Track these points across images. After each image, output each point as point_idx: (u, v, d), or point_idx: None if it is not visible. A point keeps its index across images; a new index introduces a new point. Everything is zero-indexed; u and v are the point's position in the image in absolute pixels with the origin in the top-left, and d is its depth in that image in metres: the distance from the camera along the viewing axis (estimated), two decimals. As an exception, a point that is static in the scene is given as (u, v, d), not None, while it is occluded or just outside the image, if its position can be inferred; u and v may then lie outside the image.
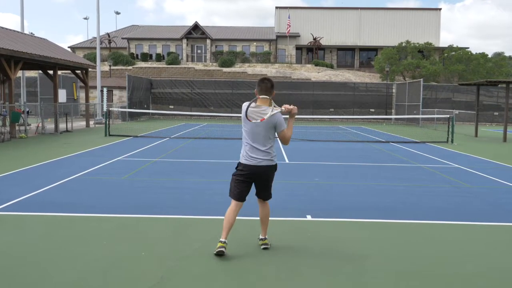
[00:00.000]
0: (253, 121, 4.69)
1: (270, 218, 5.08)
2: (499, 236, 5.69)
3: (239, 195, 4.80)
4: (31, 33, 27.02)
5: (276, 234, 5.47)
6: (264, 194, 4.92)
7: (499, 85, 30.11)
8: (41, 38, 24.12)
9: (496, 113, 36.16)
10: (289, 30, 51.02)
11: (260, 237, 5.05)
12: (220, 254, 4.62)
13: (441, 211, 6.86)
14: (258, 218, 5.08)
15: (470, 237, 5.61)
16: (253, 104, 4.83)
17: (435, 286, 4.06)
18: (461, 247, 5.20)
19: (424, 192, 8.28)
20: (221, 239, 4.69)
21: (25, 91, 26.40)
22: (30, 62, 19.56)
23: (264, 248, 4.92)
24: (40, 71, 24.95)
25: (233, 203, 4.85)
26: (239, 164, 4.84)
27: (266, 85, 4.84)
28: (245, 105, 4.85)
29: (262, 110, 4.74)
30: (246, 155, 4.77)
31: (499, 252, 5.07)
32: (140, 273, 4.24)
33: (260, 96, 4.87)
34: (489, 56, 48.11)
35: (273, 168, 4.84)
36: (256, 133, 4.73)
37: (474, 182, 9.42)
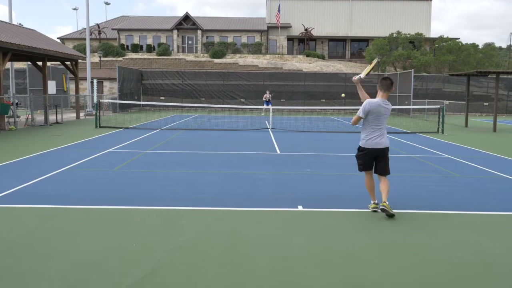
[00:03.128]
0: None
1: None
2: (487, 225, 5.76)
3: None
4: (20, 24, 26.67)
5: (267, 225, 5.50)
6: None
7: (489, 76, 30.36)
8: (30, 29, 23.81)
9: (486, 104, 36.43)
10: (278, 21, 50.81)
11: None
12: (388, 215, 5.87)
13: (430, 200, 6.93)
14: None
15: (458, 226, 5.67)
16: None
17: (424, 274, 4.12)
18: (449, 235, 5.26)
19: (414, 182, 8.36)
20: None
21: (14, 82, 26.12)
22: (19, 54, 19.33)
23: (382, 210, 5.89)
24: (29, 63, 24.67)
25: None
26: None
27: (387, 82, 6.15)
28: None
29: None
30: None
31: (486, 240, 5.14)
32: (131, 264, 4.25)
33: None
34: (480, 46, 48.37)
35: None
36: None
37: (464, 171, 9.52)
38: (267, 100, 29.78)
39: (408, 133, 18.35)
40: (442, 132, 18.03)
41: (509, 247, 4.91)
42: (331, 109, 34.56)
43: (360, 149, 6.17)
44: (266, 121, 22.03)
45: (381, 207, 5.87)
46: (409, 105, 29.64)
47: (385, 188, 6.01)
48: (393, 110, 34.57)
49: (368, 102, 6.10)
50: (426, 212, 6.26)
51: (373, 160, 6.14)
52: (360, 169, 6.23)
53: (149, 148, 12.40)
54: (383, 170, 6.11)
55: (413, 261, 4.44)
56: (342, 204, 6.62)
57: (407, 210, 6.35)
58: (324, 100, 36.31)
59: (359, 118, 6.14)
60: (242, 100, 36.27)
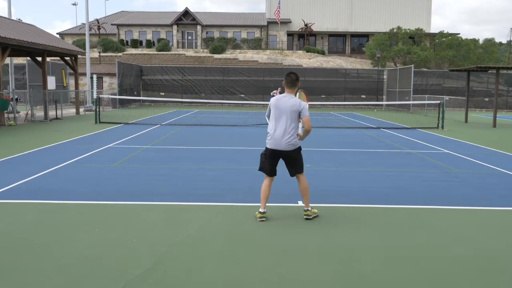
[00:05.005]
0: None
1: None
2: (488, 220, 5.77)
3: None
4: (19, 19, 26.57)
5: (268, 219, 5.51)
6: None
7: (489, 71, 30.30)
8: (29, 24, 23.75)
9: (486, 99, 36.39)
10: (278, 16, 50.65)
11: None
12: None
13: (430, 196, 6.93)
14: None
15: (459, 221, 5.68)
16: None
17: (424, 270, 4.13)
18: (450, 231, 5.27)
19: (414, 177, 8.36)
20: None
21: (14, 78, 26.08)
22: (18, 49, 19.28)
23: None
24: (29, 58, 24.62)
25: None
26: None
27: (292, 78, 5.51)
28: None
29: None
30: None
31: (487, 235, 5.15)
32: (132, 259, 4.25)
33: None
34: (480, 42, 48.29)
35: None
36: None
37: (464, 167, 9.52)
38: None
39: (408, 128, 18.34)
40: (442, 127, 18.02)
41: (509, 243, 4.91)
42: (331, 104, 34.53)
43: (265, 149, 5.58)
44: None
45: (304, 217, 5.52)
46: (409, 100, 29.61)
47: (303, 191, 5.52)
48: (393, 105, 34.87)
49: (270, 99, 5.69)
50: (426, 207, 6.26)
51: (275, 164, 5.51)
52: (259, 169, 5.63)
53: (149, 143, 12.39)
54: (293, 171, 5.53)
55: (412, 256, 4.45)
56: (342, 199, 6.62)
57: (407, 206, 6.36)
58: (324, 96, 36.27)
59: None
60: (242, 95, 36.22)
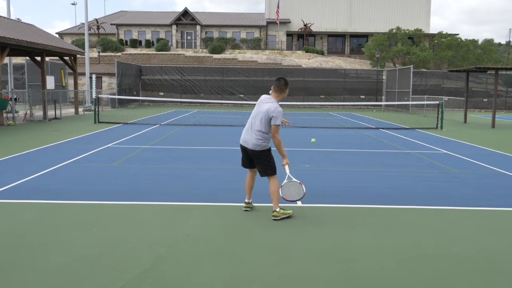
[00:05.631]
0: None
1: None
2: (487, 220, 5.78)
3: None
4: (18, 19, 26.53)
5: (266, 220, 5.51)
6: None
7: (488, 72, 30.32)
8: (28, 24, 23.73)
9: (485, 100, 36.44)
10: (277, 17, 50.67)
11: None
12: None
13: (430, 196, 6.94)
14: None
15: (458, 221, 5.69)
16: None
17: (424, 269, 4.13)
18: (449, 230, 5.27)
19: (413, 177, 8.37)
20: None
21: (13, 77, 26.05)
22: (17, 49, 19.25)
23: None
24: (28, 58, 24.59)
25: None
26: None
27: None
28: None
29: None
30: None
31: (486, 235, 5.15)
32: (131, 259, 4.25)
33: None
34: (480, 42, 48.35)
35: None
36: None
37: (463, 167, 9.53)
38: None
39: (407, 129, 18.35)
40: (441, 128, 18.04)
41: (508, 243, 4.92)
42: (330, 105, 34.54)
43: None
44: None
45: (272, 217, 5.52)
46: (408, 101, 29.63)
47: (271, 194, 5.57)
48: (392, 106, 34.91)
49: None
50: (425, 208, 6.27)
51: (248, 158, 5.75)
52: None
53: (148, 143, 12.39)
54: (260, 171, 5.67)
55: (412, 256, 4.45)
56: (341, 199, 6.63)
57: (406, 206, 6.37)
58: (323, 96, 36.29)
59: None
60: (241, 95, 36.23)
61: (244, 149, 5.73)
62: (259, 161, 5.61)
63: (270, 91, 5.71)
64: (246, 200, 5.93)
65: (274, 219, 5.51)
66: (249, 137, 5.58)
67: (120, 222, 5.40)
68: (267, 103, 5.49)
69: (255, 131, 5.53)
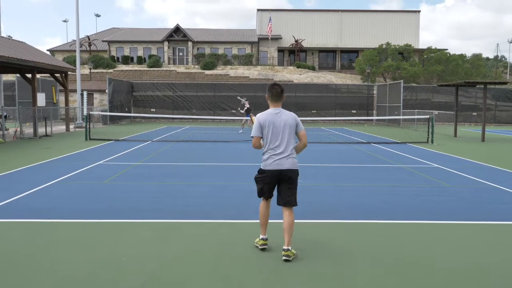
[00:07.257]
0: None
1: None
2: (478, 234, 5.78)
3: None
4: (9, 36, 26.54)
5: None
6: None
7: (477, 86, 30.69)
8: (19, 41, 23.72)
9: (474, 113, 36.81)
10: (270, 32, 51.14)
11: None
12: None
13: (421, 210, 6.95)
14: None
15: (452, 235, 5.68)
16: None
17: (421, 284, 4.11)
18: (441, 245, 5.27)
19: (405, 192, 8.38)
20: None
21: (3, 95, 25.90)
22: (7, 66, 19.21)
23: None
24: (18, 75, 24.52)
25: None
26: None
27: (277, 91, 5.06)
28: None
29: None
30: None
31: (477, 249, 5.15)
32: (122, 278, 4.19)
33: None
34: (468, 56, 49.05)
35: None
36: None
37: (454, 181, 9.57)
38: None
39: (398, 143, 18.45)
40: (432, 142, 18.16)
41: (501, 257, 4.92)
42: (321, 120, 34.70)
43: (260, 171, 4.99)
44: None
45: (283, 257, 4.69)
46: (399, 115, 29.85)
47: (288, 227, 4.78)
48: (383, 120, 35.17)
49: (257, 117, 5.03)
50: (416, 222, 6.27)
51: (274, 186, 4.96)
52: (259, 195, 5.06)
53: (140, 160, 12.33)
54: (288, 200, 4.84)
55: (405, 271, 4.43)
56: (335, 215, 6.61)
57: (397, 221, 6.36)
58: (314, 111, 36.46)
59: (257, 138, 4.95)
60: (233, 111, 36.29)
61: (273, 175, 4.86)
62: (295, 184, 4.90)
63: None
64: (262, 236, 5.04)
65: (285, 260, 4.67)
66: (282, 156, 4.81)
67: (111, 240, 5.33)
68: (282, 114, 4.93)
69: (290, 149, 4.85)
